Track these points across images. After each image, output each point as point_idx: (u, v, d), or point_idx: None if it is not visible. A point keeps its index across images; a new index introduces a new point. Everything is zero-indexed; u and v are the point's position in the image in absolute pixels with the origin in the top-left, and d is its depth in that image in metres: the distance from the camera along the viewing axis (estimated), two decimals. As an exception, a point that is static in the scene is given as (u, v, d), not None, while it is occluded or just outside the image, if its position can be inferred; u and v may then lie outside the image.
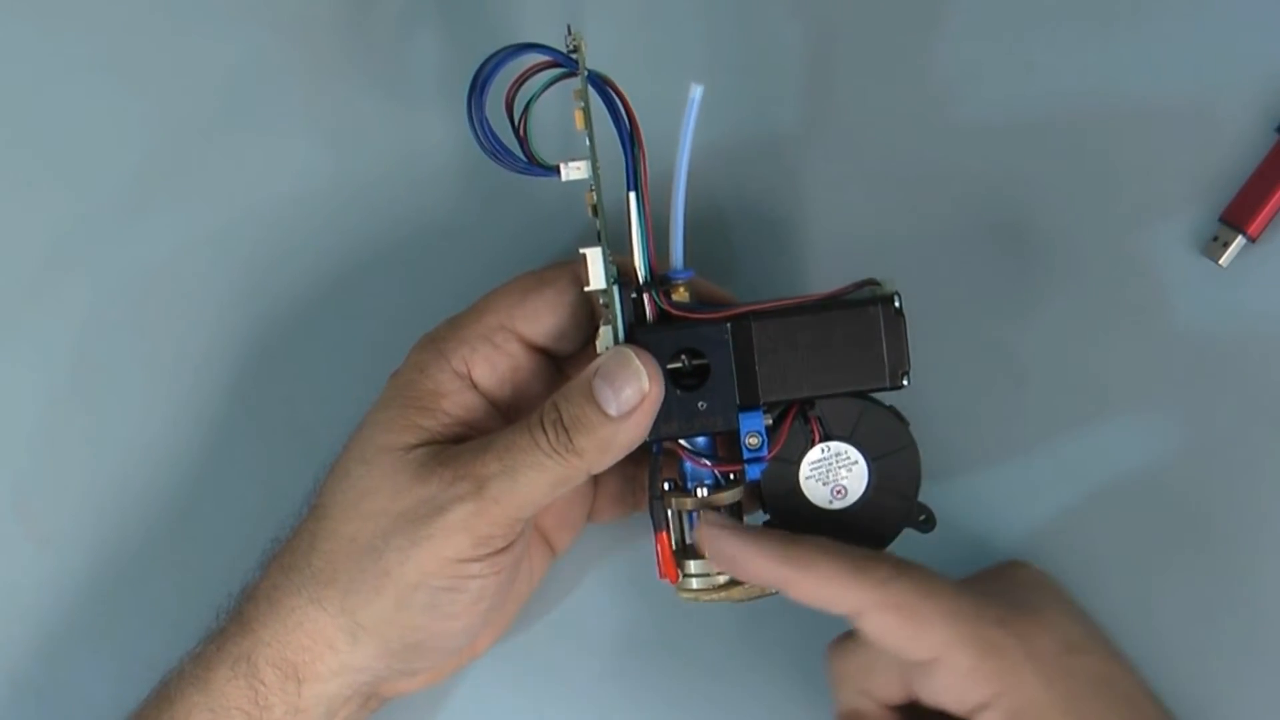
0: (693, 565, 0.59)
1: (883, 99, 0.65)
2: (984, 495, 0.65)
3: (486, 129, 0.57)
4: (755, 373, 0.57)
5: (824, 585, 0.56)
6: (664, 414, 0.57)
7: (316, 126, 0.65)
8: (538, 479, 0.55)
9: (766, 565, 0.56)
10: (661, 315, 0.58)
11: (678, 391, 0.57)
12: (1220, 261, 0.64)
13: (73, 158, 0.65)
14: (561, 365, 0.60)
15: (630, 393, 0.55)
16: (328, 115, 0.65)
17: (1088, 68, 0.65)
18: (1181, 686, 0.62)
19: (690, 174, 0.56)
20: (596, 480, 0.63)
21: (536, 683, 0.66)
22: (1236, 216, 0.64)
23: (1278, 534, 0.65)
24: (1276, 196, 0.63)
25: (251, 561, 0.60)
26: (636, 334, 0.57)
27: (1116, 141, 0.65)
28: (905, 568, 0.56)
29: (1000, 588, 0.60)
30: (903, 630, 0.55)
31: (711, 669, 0.65)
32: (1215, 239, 0.64)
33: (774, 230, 0.65)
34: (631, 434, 0.55)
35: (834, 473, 0.58)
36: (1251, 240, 0.64)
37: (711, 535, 0.57)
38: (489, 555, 0.56)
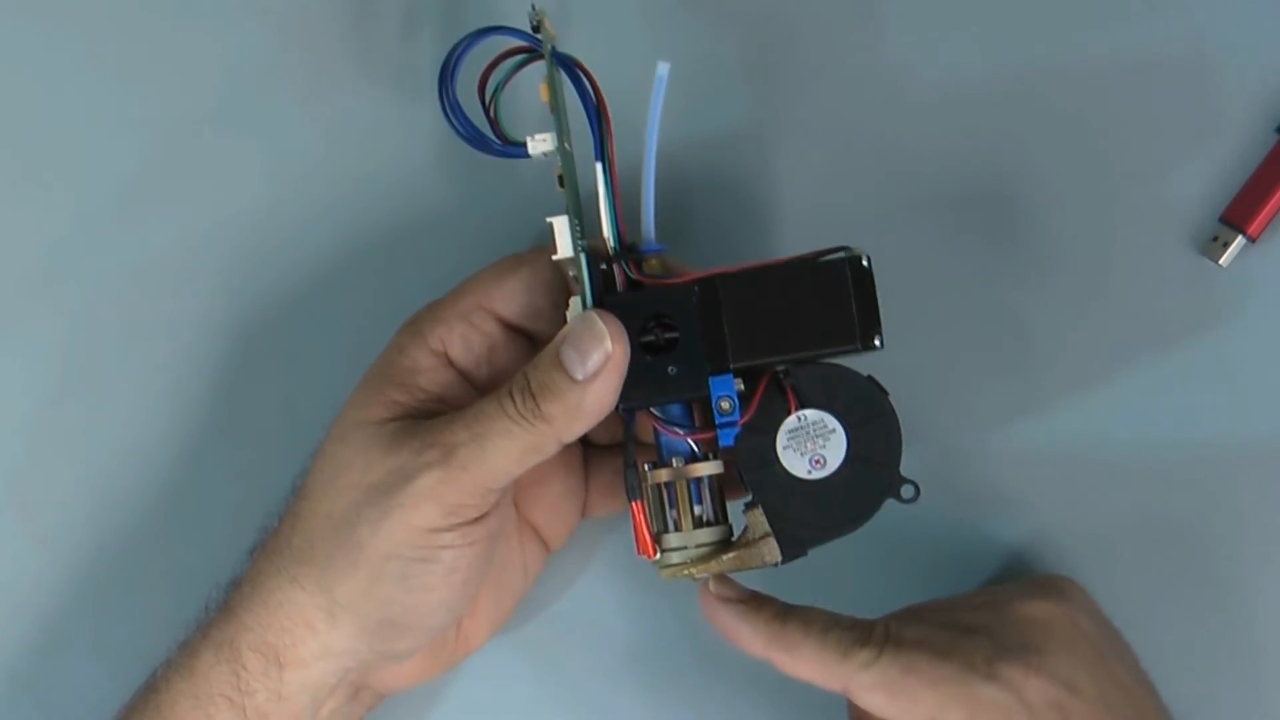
0: (673, 539, 0.58)
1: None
2: (972, 475, 0.65)
3: (459, 114, 0.59)
4: (724, 336, 0.57)
5: (809, 669, 0.57)
6: (634, 381, 0.56)
7: (309, 122, 0.66)
8: (506, 446, 0.55)
9: (756, 643, 0.57)
10: (631, 285, 0.58)
11: (647, 358, 0.57)
12: (1220, 261, 0.64)
13: (65, 154, 0.67)
14: (541, 346, 0.60)
15: (596, 356, 0.55)
16: (321, 111, 0.66)
17: (1087, 69, 0.65)
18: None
19: (663, 162, 0.57)
20: (588, 473, 0.63)
21: (534, 678, 0.65)
22: (1236, 216, 0.64)
23: (1274, 533, 0.63)
24: (1276, 196, 0.63)
25: (243, 554, 0.60)
26: (604, 301, 0.57)
27: (1116, 141, 0.65)
28: (892, 644, 0.56)
29: (1001, 624, 0.58)
30: (891, 706, 0.56)
31: (712, 661, 0.64)
32: (1215, 239, 0.64)
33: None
34: (599, 397, 0.55)
35: (812, 442, 0.58)
36: (1251, 240, 0.64)
37: (709, 605, 0.58)
38: (461, 525, 0.56)
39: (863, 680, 0.55)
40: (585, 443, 0.63)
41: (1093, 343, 0.64)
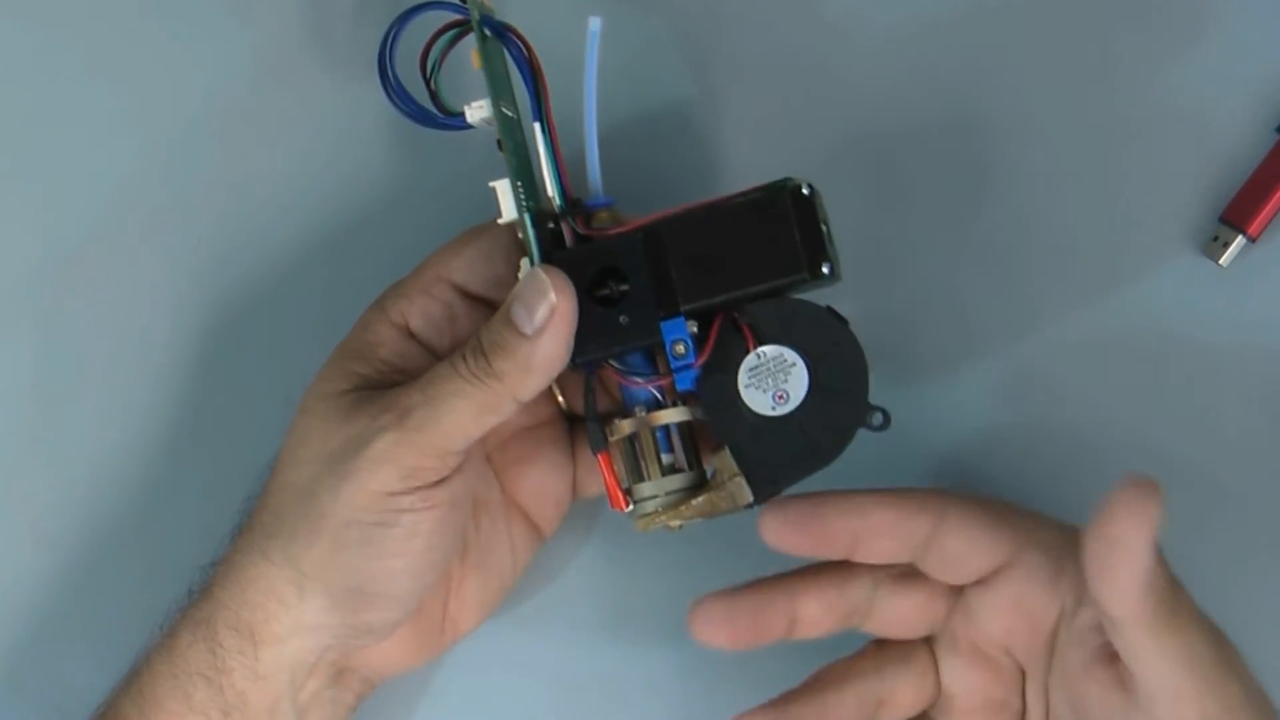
0: (645, 488, 0.58)
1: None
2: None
3: (401, 94, 0.60)
4: (672, 279, 0.56)
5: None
6: (587, 333, 0.56)
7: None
8: (460, 406, 0.55)
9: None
10: (581, 240, 0.58)
11: (599, 310, 0.57)
12: (1220, 261, 0.63)
13: (50, 155, 0.68)
14: None
15: (543, 309, 0.55)
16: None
17: (1086, 68, 0.64)
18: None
19: (611, 117, 0.59)
20: (575, 448, 0.63)
21: (526, 664, 0.65)
22: (1236, 216, 0.63)
23: (1273, 536, 0.62)
24: (1276, 196, 0.62)
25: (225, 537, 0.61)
26: (553, 258, 0.57)
27: (1116, 142, 0.64)
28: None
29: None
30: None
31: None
32: (1215, 239, 0.63)
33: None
34: (549, 350, 0.55)
35: (773, 378, 0.57)
36: (1251, 240, 0.63)
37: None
38: (419, 489, 0.56)
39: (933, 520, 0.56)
40: (571, 418, 0.63)
41: (1090, 341, 0.64)
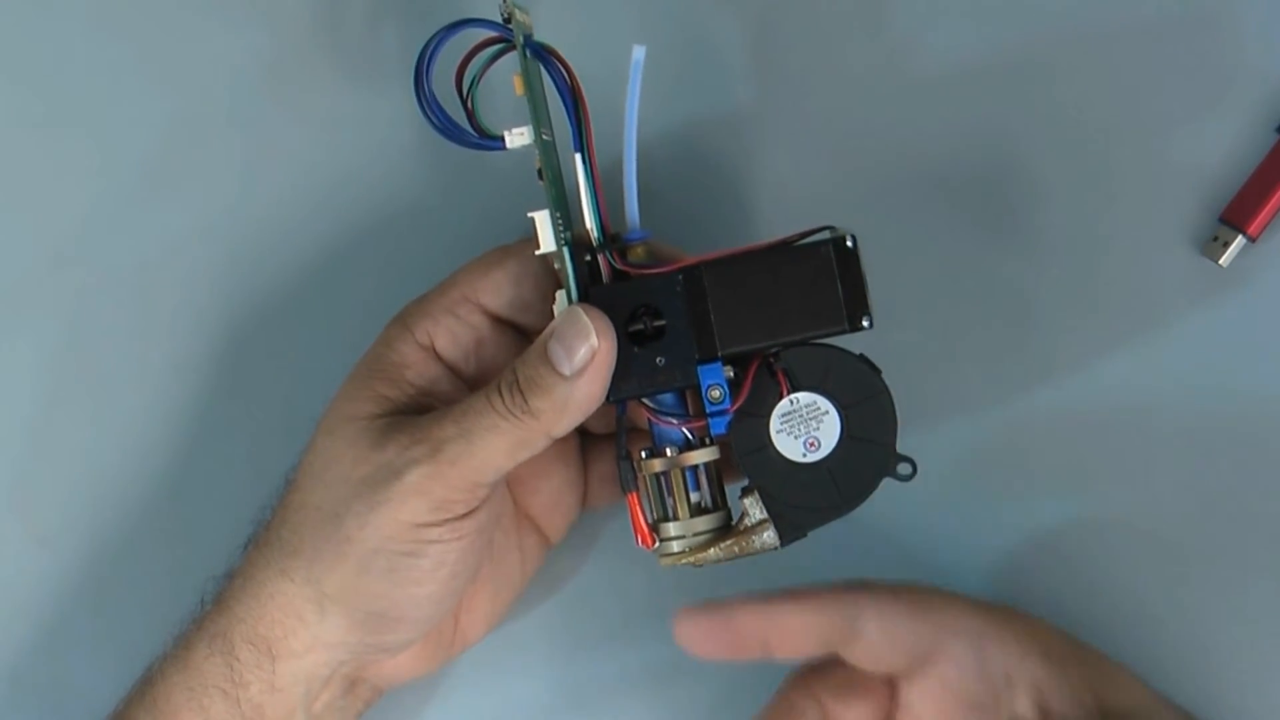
0: (672, 528, 0.58)
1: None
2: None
3: (435, 107, 0.58)
4: (711, 323, 0.56)
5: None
6: (623, 372, 0.56)
7: (290, 119, 0.66)
8: (494, 442, 0.55)
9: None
10: (617, 275, 0.57)
11: (635, 349, 0.56)
12: (1220, 261, 0.63)
13: (64, 156, 0.67)
14: (531, 339, 0.60)
15: (583, 351, 0.55)
16: (301, 108, 0.66)
17: (1086, 69, 0.64)
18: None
19: (651, 147, 0.58)
20: (587, 464, 0.63)
21: (533, 672, 0.65)
22: (1236, 216, 0.63)
23: (1274, 535, 0.63)
24: (1276, 196, 0.63)
25: (239, 548, 0.60)
26: (589, 294, 0.57)
27: (1116, 142, 0.64)
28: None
29: None
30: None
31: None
32: (1215, 239, 0.64)
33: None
34: (586, 392, 0.55)
35: (805, 425, 0.57)
36: (1251, 240, 0.63)
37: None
38: (449, 520, 0.56)
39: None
40: (583, 433, 0.63)
41: (1091, 342, 0.64)
